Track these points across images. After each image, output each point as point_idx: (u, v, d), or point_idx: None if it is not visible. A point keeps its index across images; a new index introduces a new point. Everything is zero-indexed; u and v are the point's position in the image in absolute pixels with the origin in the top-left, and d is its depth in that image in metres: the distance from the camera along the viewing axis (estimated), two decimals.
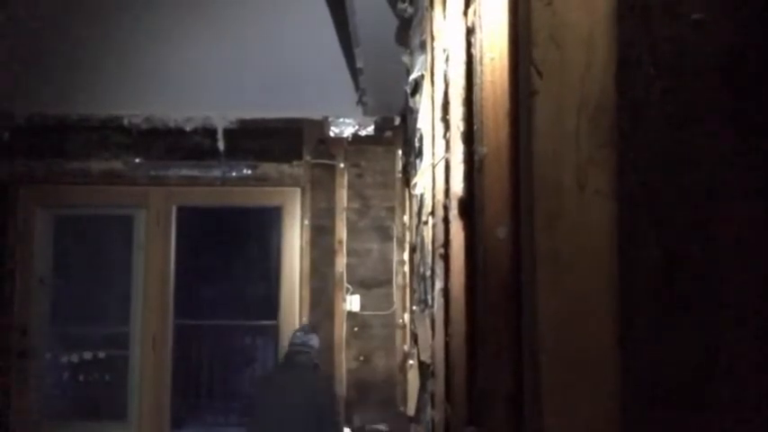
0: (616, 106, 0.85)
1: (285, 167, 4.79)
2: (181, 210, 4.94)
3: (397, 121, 4.78)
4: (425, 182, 2.54)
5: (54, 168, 4.73)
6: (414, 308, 3.43)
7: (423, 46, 2.68)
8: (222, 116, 4.78)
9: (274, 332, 5.06)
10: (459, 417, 1.56)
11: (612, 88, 0.85)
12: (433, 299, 2.14)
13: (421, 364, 2.56)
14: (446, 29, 1.87)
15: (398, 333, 4.67)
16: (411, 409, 3.02)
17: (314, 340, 4.27)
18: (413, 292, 3.65)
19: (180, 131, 4.77)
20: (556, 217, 0.84)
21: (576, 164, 0.85)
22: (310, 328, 4.47)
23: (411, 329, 3.65)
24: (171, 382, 4.79)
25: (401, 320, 4.64)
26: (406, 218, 4.49)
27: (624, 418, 0.82)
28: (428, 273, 2.36)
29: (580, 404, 0.82)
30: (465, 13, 1.50)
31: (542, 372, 0.83)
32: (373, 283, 4.76)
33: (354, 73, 4.14)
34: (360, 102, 4.61)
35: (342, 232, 4.76)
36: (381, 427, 4.59)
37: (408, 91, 3.34)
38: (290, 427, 4.01)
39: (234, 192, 4.86)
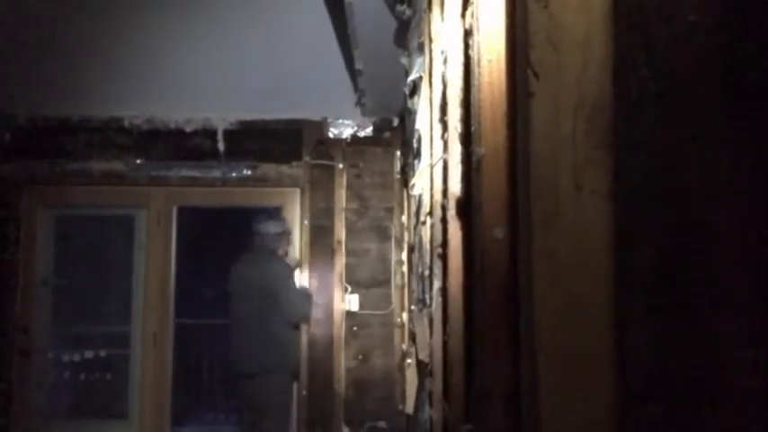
0: (612, 107, 0.86)
1: (285, 168, 4.80)
2: (181, 210, 4.95)
3: (396, 122, 4.79)
4: (424, 182, 2.54)
5: (56, 169, 4.73)
6: (412, 307, 3.43)
7: (421, 48, 2.68)
8: (222, 117, 4.78)
9: None
10: (457, 415, 1.57)
11: (609, 89, 0.86)
12: (431, 298, 2.15)
13: (419, 363, 2.56)
14: (444, 31, 1.88)
15: (397, 332, 4.67)
16: (409, 407, 3.02)
17: (268, 226, 4.39)
18: (411, 291, 3.65)
19: (180, 132, 4.78)
20: (553, 217, 0.85)
21: (573, 165, 0.85)
22: (269, 215, 4.57)
23: (409, 329, 3.65)
24: (171, 380, 4.80)
25: (399, 320, 4.65)
26: (404, 218, 4.50)
27: (621, 418, 0.82)
28: (426, 272, 2.37)
29: (577, 403, 0.83)
30: (463, 16, 1.51)
31: (540, 371, 0.83)
32: (372, 282, 4.76)
33: (353, 74, 4.14)
34: (359, 103, 4.61)
35: (341, 232, 4.77)
36: (380, 424, 4.60)
37: (407, 92, 3.34)
38: (249, 310, 4.18)
39: (234, 192, 4.87)
